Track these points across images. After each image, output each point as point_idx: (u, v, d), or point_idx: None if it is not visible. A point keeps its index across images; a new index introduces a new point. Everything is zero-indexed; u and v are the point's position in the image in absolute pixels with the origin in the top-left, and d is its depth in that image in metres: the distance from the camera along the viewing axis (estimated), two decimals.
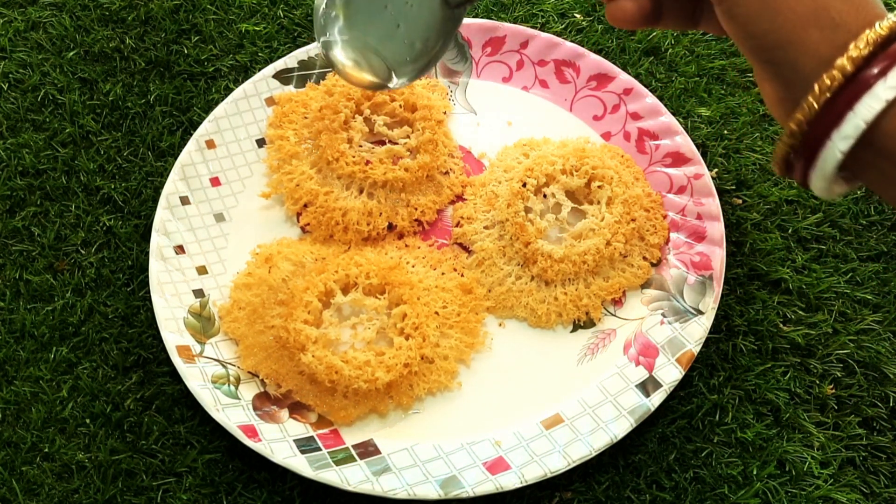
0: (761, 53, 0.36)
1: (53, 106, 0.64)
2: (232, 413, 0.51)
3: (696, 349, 0.53)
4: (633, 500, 0.51)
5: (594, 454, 0.50)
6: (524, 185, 0.58)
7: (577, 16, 0.68)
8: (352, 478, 0.49)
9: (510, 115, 0.64)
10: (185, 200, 0.59)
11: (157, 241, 0.57)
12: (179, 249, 0.57)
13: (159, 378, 0.54)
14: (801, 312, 0.57)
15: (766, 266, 0.58)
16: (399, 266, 0.55)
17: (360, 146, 0.60)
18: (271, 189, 0.60)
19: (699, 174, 0.59)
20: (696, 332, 0.54)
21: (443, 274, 0.57)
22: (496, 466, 0.51)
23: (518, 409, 0.53)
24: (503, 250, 0.57)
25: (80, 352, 0.55)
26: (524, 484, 0.50)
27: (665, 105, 0.62)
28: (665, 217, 0.59)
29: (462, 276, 0.58)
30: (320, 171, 0.59)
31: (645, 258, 0.58)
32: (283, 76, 0.64)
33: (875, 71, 0.33)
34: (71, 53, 0.66)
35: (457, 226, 0.60)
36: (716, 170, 0.62)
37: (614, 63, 0.64)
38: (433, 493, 0.49)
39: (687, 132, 0.61)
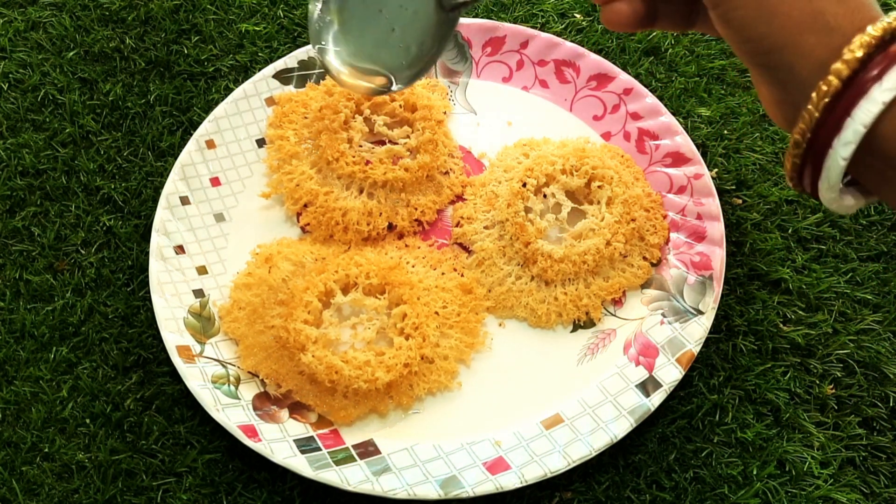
0: (757, 57, 0.36)
1: (53, 106, 0.64)
2: (232, 413, 0.51)
3: (696, 349, 0.53)
4: (633, 500, 0.51)
5: (594, 454, 0.50)
6: (524, 185, 0.58)
7: (577, 16, 0.68)
8: (352, 478, 0.49)
9: (510, 115, 0.64)
10: (185, 200, 0.59)
11: (157, 241, 0.57)
12: (179, 249, 0.57)
13: (159, 378, 0.54)
14: (801, 312, 0.57)
15: (766, 266, 0.58)
16: (399, 266, 0.55)
17: (360, 146, 0.60)
18: (271, 189, 0.60)
19: (699, 174, 0.59)
20: (696, 332, 0.54)
21: (443, 274, 0.57)
22: (496, 466, 0.51)
23: (518, 409, 0.53)
24: (503, 250, 0.57)
25: (80, 352, 0.55)
26: (524, 484, 0.50)
27: (665, 105, 0.62)
28: (665, 217, 0.59)
29: (462, 276, 0.58)
30: (320, 171, 0.59)
31: (645, 258, 0.58)
32: (283, 76, 0.64)
33: (871, 74, 0.32)
34: (71, 53, 0.66)
35: (457, 226, 0.60)
36: (716, 170, 0.62)
37: (614, 63, 0.64)
38: (433, 493, 0.49)
39: (687, 132, 0.61)
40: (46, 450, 0.52)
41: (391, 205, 0.59)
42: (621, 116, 0.63)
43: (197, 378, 0.52)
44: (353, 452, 0.51)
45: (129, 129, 0.63)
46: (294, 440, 0.51)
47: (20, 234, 0.59)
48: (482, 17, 0.67)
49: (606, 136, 0.63)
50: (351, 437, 0.52)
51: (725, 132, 0.63)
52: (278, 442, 0.51)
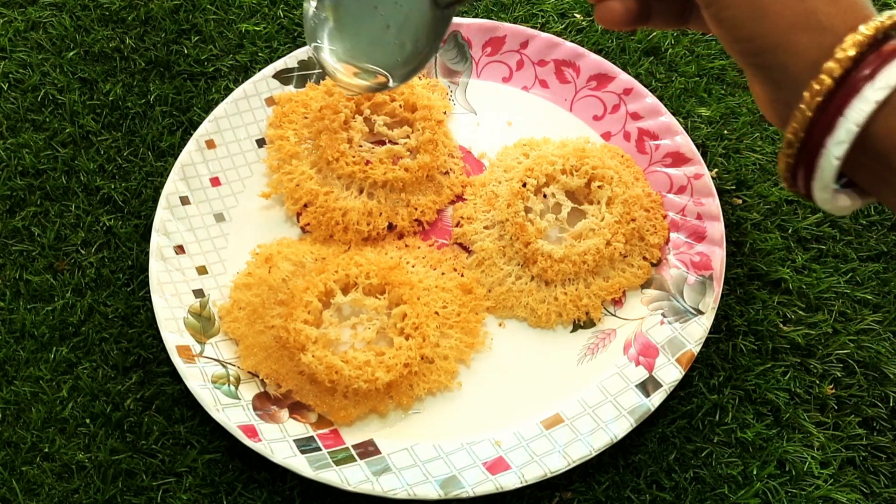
0: (750, 57, 0.36)
1: (53, 106, 0.64)
2: (232, 413, 0.51)
3: (696, 349, 0.53)
4: (633, 500, 0.51)
5: (594, 454, 0.50)
6: (524, 185, 0.58)
7: (577, 16, 0.68)
8: (352, 478, 0.49)
9: (510, 115, 0.64)
10: (185, 200, 0.59)
11: (157, 241, 0.57)
12: (179, 249, 0.57)
13: (159, 378, 0.54)
14: (801, 312, 0.57)
15: (766, 266, 0.58)
16: (399, 266, 0.55)
17: (360, 146, 0.60)
18: (271, 189, 0.60)
19: (699, 174, 0.59)
20: (696, 332, 0.54)
21: (443, 274, 0.57)
22: (496, 466, 0.51)
23: (518, 409, 0.53)
24: (503, 250, 0.57)
25: (80, 352, 0.55)
26: (524, 484, 0.50)
27: (665, 105, 0.62)
28: (665, 217, 0.59)
29: (462, 276, 0.58)
30: (320, 171, 0.59)
31: (645, 258, 0.58)
32: (283, 76, 0.64)
33: (864, 73, 0.32)
34: (71, 53, 0.66)
35: (457, 226, 0.60)
36: (716, 170, 0.62)
37: (614, 63, 0.64)
38: (433, 493, 0.49)
39: (687, 132, 0.61)
40: (46, 450, 0.52)
41: (391, 205, 0.59)
42: (621, 116, 0.63)
43: (197, 378, 0.52)
44: (353, 452, 0.51)
45: (129, 129, 0.63)
46: (294, 440, 0.51)
47: (20, 234, 0.59)
48: (482, 17, 0.67)
49: (606, 136, 0.63)
50: (351, 437, 0.52)
51: (725, 132, 0.63)
52: (278, 442, 0.51)
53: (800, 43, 0.34)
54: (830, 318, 0.56)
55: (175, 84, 0.65)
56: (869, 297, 0.57)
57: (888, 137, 0.33)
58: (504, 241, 0.57)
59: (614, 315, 0.57)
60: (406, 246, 0.59)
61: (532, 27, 0.66)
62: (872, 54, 0.33)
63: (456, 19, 0.65)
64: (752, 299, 0.57)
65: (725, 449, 0.52)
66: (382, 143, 0.61)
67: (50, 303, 0.57)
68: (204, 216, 0.59)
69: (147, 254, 0.57)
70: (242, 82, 0.63)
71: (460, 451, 0.52)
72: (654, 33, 0.67)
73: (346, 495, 0.50)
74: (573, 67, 0.64)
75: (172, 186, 0.59)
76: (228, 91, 0.64)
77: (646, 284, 0.57)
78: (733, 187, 0.61)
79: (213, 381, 0.53)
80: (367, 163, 0.59)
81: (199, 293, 0.56)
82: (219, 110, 0.62)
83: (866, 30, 0.33)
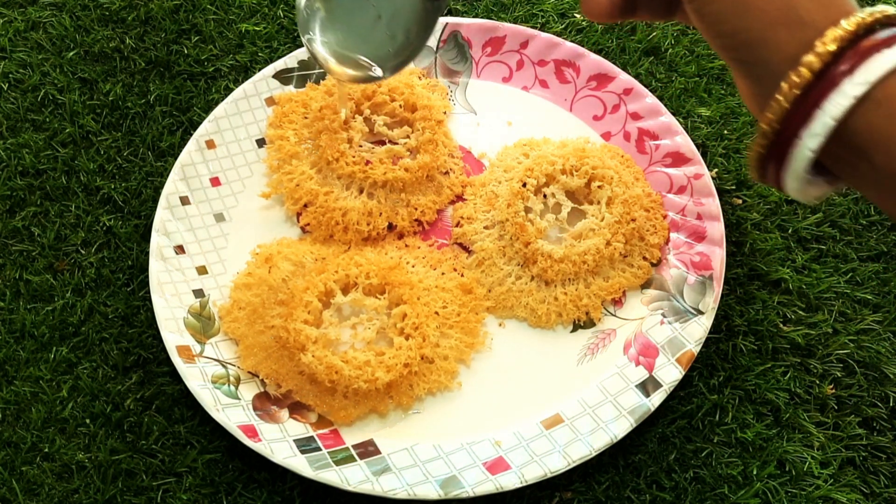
0: (732, 52, 0.36)
1: (53, 106, 0.64)
2: (232, 413, 0.51)
3: (696, 349, 0.53)
4: (633, 500, 0.51)
5: (594, 454, 0.50)
6: (524, 185, 0.58)
7: (577, 16, 0.68)
8: (352, 478, 0.49)
9: (510, 115, 0.64)
10: (185, 200, 0.59)
11: (157, 241, 0.57)
12: (179, 249, 0.57)
13: (159, 378, 0.54)
14: (801, 312, 0.57)
15: (766, 266, 0.58)
16: (399, 266, 0.55)
17: (360, 146, 0.60)
18: (271, 189, 0.60)
19: (699, 174, 0.59)
20: (696, 332, 0.54)
21: (443, 274, 0.57)
22: (496, 466, 0.51)
23: (518, 409, 0.53)
24: (503, 250, 0.57)
25: (80, 352, 0.55)
26: (524, 484, 0.50)
27: (665, 105, 0.62)
28: (665, 217, 0.59)
29: (462, 276, 0.58)
30: (320, 171, 0.59)
31: (645, 258, 0.58)
32: (283, 76, 0.64)
33: (843, 68, 0.32)
34: (71, 53, 0.66)
35: (457, 226, 0.60)
36: (716, 170, 0.62)
37: (614, 63, 0.64)
38: (433, 493, 0.49)
39: (687, 132, 0.61)
40: (46, 450, 0.52)
41: (391, 205, 0.59)
42: (621, 116, 0.63)
43: (197, 378, 0.52)
44: (353, 452, 0.51)
45: (129, 129, 0.63)
46: (294, 440, 0.51)
47: (20, 234, 0.59)
48: (482, 17, 0.67)
49: (606, 136, 0.63)
50: (351, 437, 0.52)
51: (725, 132, 0.63)
52: (278, 442, 0.51)
53: (780, 37, 0.34)
54: (830, 318, 0.56)
55: (175, 84, 0.65)
56: (869, 297, 0.57)
57: (867, 133, 0.33)
58: (504, 241, 0.57)
59: (614, 315, 0.57)
60: (406, 246, 0.59)
61: (532, 27, 0.66)
62: (852, 49, 0.33)
63: (456, 19, 0.65)
64: (752, 299, 0.57)
65: (725, 449, 0.52)
66: (382, 143, 0.61)
67: (50, 303, 0.57)
68: (204, 216, 0.59)
69: (147, 254, 0.57)
70: (242, 82, 0.63)
71: (460, 451, 0.52)
72: (655, 33, 0.67)
73: (346, 495, 0.50)
74: (573, 67, 0.64)
75: (172, 186, 0.59)
76: (228, 91, 0.64)
77: (646, 284, 0.57)
78: (733, 187, 0.61)
79: (213, 381, 0.53)
80: (367, 163, 0.59)
81: (199, 293, 0.56)
82: (219, 110, 0.62)
83: (847, 25, 0.33)
